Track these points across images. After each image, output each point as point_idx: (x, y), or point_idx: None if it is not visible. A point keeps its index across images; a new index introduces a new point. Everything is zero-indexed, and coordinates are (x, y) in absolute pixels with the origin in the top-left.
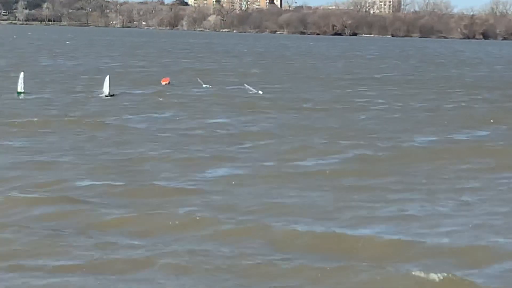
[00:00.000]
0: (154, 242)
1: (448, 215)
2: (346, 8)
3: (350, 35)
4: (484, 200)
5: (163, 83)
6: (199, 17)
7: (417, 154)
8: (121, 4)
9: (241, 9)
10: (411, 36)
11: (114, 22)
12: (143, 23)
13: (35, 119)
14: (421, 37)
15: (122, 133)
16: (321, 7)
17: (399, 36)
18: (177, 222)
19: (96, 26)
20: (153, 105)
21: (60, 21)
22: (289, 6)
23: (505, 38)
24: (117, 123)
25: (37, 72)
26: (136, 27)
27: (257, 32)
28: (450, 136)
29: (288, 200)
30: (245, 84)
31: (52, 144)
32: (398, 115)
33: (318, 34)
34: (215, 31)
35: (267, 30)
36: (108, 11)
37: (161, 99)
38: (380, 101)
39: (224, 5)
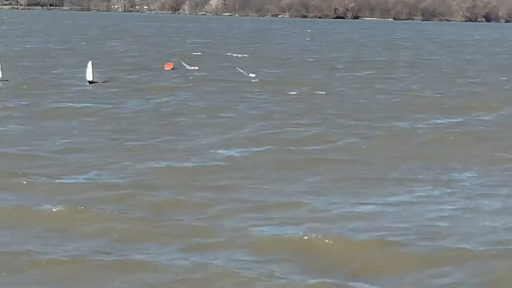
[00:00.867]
0: None
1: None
2: None
3: (352, 19)
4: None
5: (167, 68)
6: (201, 1)
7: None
8: None
9: None
10: (413, 19)
11: (115, 7)
12: (145, 7)
13: None
14: (423, 20)
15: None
16: None
17: (401, 19)
18: None
19: (98, 11)
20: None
21: (62, 5)
22: None
23: (507, 21)
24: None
25: None
26: (138, 11)
27: (258, 16)
28: None
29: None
30: (237, 68)
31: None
32: None
33: (320, 17)
34: (217, 15)
35: (269, 13)
36: None
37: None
38: None
39: None
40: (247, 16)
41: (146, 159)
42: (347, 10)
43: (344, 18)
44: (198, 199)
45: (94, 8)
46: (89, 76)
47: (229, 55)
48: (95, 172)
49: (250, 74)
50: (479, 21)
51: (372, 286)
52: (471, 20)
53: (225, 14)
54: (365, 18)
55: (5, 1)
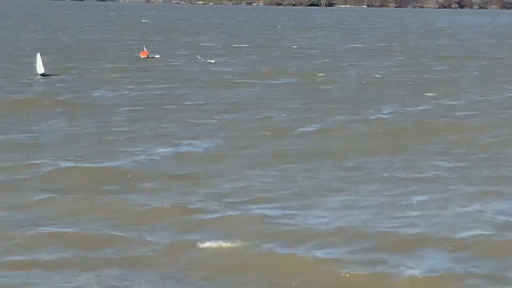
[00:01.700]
0: None
1: None
2: None
3: (326, 6)
4: None
5: (142, 56)
6: None
7: None
8: None
9: None
10: (387, 6)
11: None
12: None
13: None
14: (396, 7)
15: None
16: None
17: (375, 6)
18: None
19: (71, 0)
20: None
21: None
22: None
23: (481, 7)
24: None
25: None
26: (113, 0)
27: (233, 4)
28: None
29: None
30: (196, 55)
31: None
32: None
33: (294, 5)
34: (191, 3)
35: (244, 1)
36: None
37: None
38: None
39: None
40: (221, 4)
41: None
42: None
43: (318, 6)
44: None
45: None
46: (40, 69)
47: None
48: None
49: (209, 61)
50: (452, 8)
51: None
52: (444, 7)
53: (199, 2)
54: (339, 5)
55: None
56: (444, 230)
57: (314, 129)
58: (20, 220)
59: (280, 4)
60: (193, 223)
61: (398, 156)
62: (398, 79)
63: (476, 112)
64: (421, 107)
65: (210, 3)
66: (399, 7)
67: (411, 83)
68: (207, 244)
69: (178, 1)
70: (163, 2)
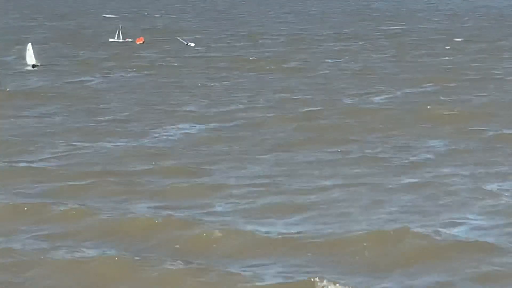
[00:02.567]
0: None
1: None
2: None
3: None
4: None
5: (138, 42)
6: None
7: None
8: None
9: None
10: None
11: None
12: None
13: None
14: None
15: None
16: None
17: None
18: None
19: None
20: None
21: None
22: None
23: None
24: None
25: None
26: None
27: None
28: None
29: None
30: (177, 37)
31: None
32: None
33: None
34: None
35: None
36: None
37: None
38: None
39: None
40: None
41: None
42: None
43: None
44: None
45: None
46: (31, 60)
47: None
48: None
49: (190, 43)
50: None
51: None
52: None
53: None
54: None
55: None
56: None
57: None
58: None
59: None
60: None
61: None
62: None
63: None
64: None
65: None
66: None
67: None
68: None
69: None
70: None
